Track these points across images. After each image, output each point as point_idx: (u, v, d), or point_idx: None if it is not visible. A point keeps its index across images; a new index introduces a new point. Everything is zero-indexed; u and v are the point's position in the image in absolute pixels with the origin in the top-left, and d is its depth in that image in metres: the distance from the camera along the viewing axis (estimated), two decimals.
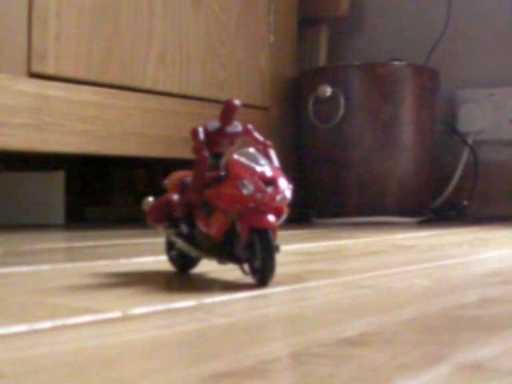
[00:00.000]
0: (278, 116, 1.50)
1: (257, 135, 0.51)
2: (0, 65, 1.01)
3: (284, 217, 0.48)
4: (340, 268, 0.59)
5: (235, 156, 0.48)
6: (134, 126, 1.19)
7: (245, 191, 0.45)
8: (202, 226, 0.49)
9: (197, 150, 0.48)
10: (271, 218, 0.46)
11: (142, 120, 1.20)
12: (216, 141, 0.50)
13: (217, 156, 0.50)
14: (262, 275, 0.46)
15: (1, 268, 0.57)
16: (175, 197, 0.51)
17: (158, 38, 1.23)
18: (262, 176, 0.46)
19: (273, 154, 0.50)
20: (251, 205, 0.46)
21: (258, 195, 0.45)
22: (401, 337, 0.31)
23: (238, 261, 0.47)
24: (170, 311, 0.38)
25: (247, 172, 0.46)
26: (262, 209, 0.46)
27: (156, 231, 0.55)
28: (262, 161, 0.47)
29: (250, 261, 0.47)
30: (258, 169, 0.46)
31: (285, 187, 0.47)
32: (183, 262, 0.54)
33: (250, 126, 0.51)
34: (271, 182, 0.46)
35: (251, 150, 0.48)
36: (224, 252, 0.48)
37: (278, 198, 0.46)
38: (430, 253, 0.74)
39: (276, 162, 0.49)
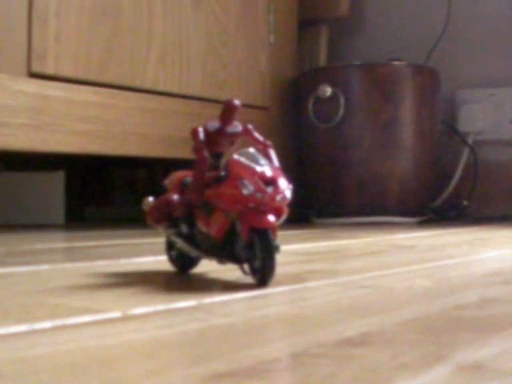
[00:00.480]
0: (278, 116, 1.50)
1: (257, 135, 0.51)
2: (0, 65, 1.01)
3: (284, 217, 0.48)
4: (340, 268, 0.59)
5: (235, 156, 0.48)
6: (135, 126, 1.19)
7: (245, 191, 0.45)
8: (201, 225, 0.49)
9: (197, 150, 0.48)
10: (271, 218, 0.46)
11: (142, 120, 1.20)
12: (216, 141, 0.49)
13: (217, 156, 0.50)
14: (262, 275, 0.46)
15: (1, 268, 0.57)
16: (175, 197, 0.51)
17: (158, 38, 1.23)
18: (262, 176, 0.46)
19: (273, 154, 0.50)
20: (251, 205, 0.46)
21: (258, 195, 0.45)
22: (401, 337, 0.31)
23: (238, 261, 0.47)
24: (170, 311, 0.38)
25: (247, 172, 0.46)
26: (262, 209, 0.46)
27: (156, 231, 0.55)
28: (262, 161, 0.47)
29: (250, 261, 0.47)
30: (258, 169, 0.46)
31: (285, 187, 0.47)
32: (183, 262, 0.54)
33: (249, 126, 0.51)
34: (271, 181, 0.46)
35: (251, 150, 0.48)
36: (224, 252, 0.48)
37: (278, 198, 0.46)
38: (431, 253, 0.74)
39: (276, 162, 0.49)
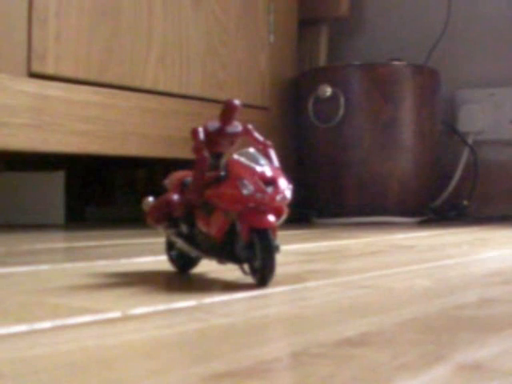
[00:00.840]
0: (278, 116, 1.50)
1: (257, 135, 0.51)
2: (0, 65, 1.01)
3: (284, 217, 0.48)
4: (340, 268, 0.59)
5: (235, 156, 0.48)
6: (135, 126, 1.19)
7: (245, 191, 0.45)
8: (201, 225, 0.49)
9: (197, 149, 0.48)
10: (271, 218, 0.46)
11: (142, 120, 1.20)
12: (216, 141, 0.50)
13: (217, 156, 0.50)
14: (262, 275, 0.46)
15: (1, 268, 0.57)
16: (175, 197, 0.51)
17: (158, 38, 1.24)
18: (261, 176, 0.46)
19: (273, 154, 0.50)
20: (251, 205, 0.46)
21: (258, 195, 0.45)
22: (401, 337, 0.31)
23: (237, 261, 0.47)
24: (170, 311, 0.38)
25: (247, 172, 0.46)
26: (262, 209, 0.46)
27: (156, 231, 0.55)
28: (262, 161, 0.47)
29: (250, 261, 0.47)
30: (258, 169, 0.46)
31: (285, 187, 0.47)
32: (183, 262, 0.54)
33: (249, 126, 0.51)
34: (271, 181, 0.46)
35: (251, 150, 0.48)
36: (224, 252, 0.48)
37: (278, 198, 0.46)
38: (430, 253, 0.74)
39: (276, 162, 0.49)
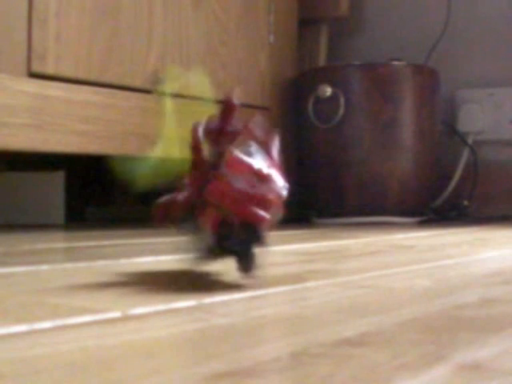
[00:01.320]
0: (278, 116, 1.50)
1: (258, 133, 0.51)
2: (0, 65, 1.01)
3: (278, 213, 0.47)
4: (340, 268, 0.59)
5: (232, 151, 0.48)
6: (135, 126, 1.19)
7: (237, 186, 0.45)
8: (200, 222, 0.49)
9: (195, 149, 0.48)
10: (262, 212, 0.46)
11: (142, 120, 1.20)
12: (216, 139, 0.50)
13: (217, 154, 0.50)
14: (243, 264, 0.46)
15: (1, 268, 0.57)
16: (180, 196, 0.51)
17: (158, 38, 1.24)
18: (257, 172, 0.46)
19: (275, 148, 0.50)
20: (243, 199, 0.46)
21: (251, 190, 0.45)
22: (400, 337, 0.31)
23: (229, 254, 0.47)
24: (170, 311, 0.38)
25: (242, 167, 0.46)
26: (253, 203, 0.46)
27: (156, 231, 0.54)
28: (259, 156, 0.47)
29: (238, 254, 0.47)
30: (254, 164, 0.46)
31: (279, 183, 0.47)
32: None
33: (250, 124, 0.51)
34: (266, 178, 0.46)
35: (249, 145, 0.48)
36: (217, 247, 0.48)
37: (272, 194, 0.46)
38: (430, 253, 0.74)
39: (276, 158, 0.49)
